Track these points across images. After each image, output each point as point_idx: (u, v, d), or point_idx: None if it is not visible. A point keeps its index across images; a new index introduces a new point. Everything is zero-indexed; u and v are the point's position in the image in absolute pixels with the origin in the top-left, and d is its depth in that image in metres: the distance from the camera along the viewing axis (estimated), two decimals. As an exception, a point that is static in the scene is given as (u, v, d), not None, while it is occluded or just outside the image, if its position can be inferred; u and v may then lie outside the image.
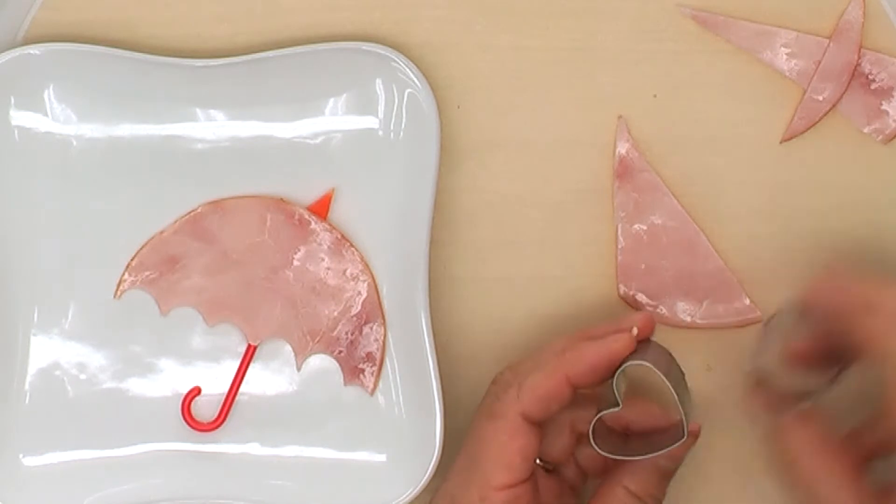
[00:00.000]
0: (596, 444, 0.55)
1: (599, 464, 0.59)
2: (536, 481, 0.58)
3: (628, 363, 0.55)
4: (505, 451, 0.56)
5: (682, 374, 0.56)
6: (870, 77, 0.64)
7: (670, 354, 0.57)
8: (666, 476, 0.57)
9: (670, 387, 0.54)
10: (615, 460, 0.57)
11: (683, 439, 0.55)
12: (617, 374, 0.55)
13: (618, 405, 0.55)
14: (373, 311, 0.64)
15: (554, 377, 0.56)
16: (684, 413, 0.55)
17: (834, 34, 0.63)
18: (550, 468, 0.60)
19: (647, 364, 0.55)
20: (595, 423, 0.55)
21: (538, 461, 0.59)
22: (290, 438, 0.64)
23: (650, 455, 0.56)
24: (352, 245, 0.64)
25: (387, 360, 0.64)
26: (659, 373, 0.54)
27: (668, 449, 0.55)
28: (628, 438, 0.58)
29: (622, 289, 0.64)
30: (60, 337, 0.64)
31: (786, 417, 0.55)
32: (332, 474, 0.64)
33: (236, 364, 0.64)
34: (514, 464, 0.56)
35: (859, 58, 0.63)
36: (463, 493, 0.57)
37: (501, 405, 0.57)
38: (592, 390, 0.57)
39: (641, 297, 0.64)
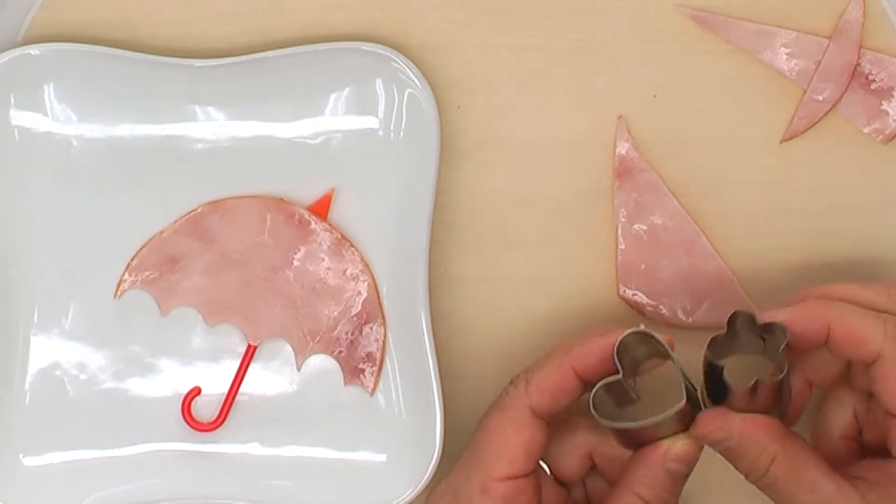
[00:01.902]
0: (595, 412, 0.55)
1: (606, 495, 0.59)
2: (540, 481, 0.58)
3: (628, 331, 0.55)
4: (509, 444, 0.56)
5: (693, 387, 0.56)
6: (870, 77, 0.64)
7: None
8: (677, 480, 0.56)
9: (671, 354, 0.54)
10: (619, 478, 0.57)
11: (682, 402, 0.55)
12: (617, 343, 0.55)
13: (618, 373, 0.55)
14: (373, 311, 0.64)
15: (561, 370, 0.56)
16: (686, 382, 0.54)
17: (834, 34, 0.64)
18: (561, 483, 0.60)
19: (648, 330, 0.55)
20: (596, 392, 0.55)
21: (546, 468, 0.59)
22: (290, 438, 0.64)
23: (649, 421, 0.55)
24: (352, 245, 0.64)
25: (387, 360, 0.64)
26: (660, 339, 0.55)
27: (668, 413, 0.54)
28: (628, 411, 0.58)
29: (622, 289, 0.64)
30: (60, 337, 0.64)
31: (735, 439, 0.55)
32: (332, 474, 0.64)
33: (236, 364, 0.64)
34: (517, 457, 0.56)
35: (859, 58, 0.63)
36: (464, 484, 0.57)
37: (510, 399, 0.57)
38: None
39: (641, 298, 0.64)
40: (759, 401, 0.55)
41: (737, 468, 0.56)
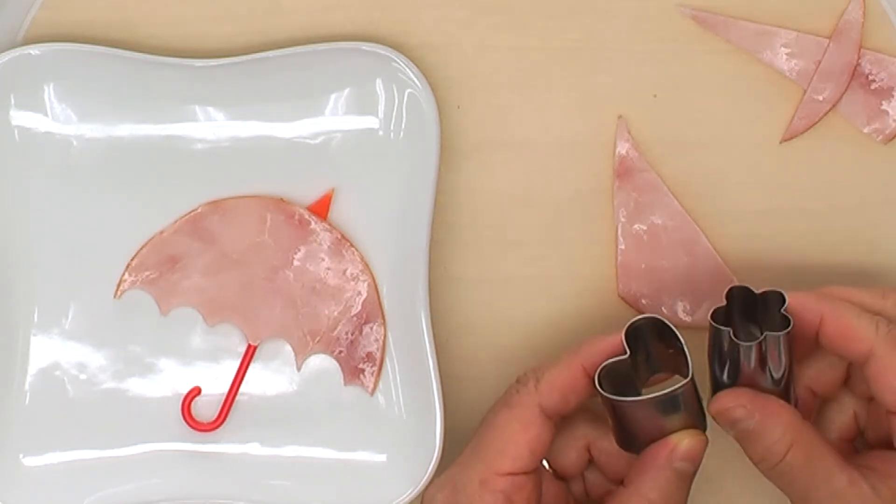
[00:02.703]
0: (602, 389, 0.55)
1: (605, 491, 0.59)
2: (541, 479, 0.58)
3: (639, 317, 0.56)
4: (514, 440, 0.56)
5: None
6: (870, 77, 0.64)
7: None
8: (686, 480, 0.56)
9: (681, 338, 0.55)
10: (623, 480, 0.57)
11: (689, 378, 0.55)
12: (626, 328, 0.55)
13: (625, 353, 0.55)
14: (373, 311, 0.64)
15: (571, 368, 0.56)
16: (690, 360, 0.55)
17: (834, 34, 0.64)
18: (560, 477, 0.60)
19: (657, 316, 0.55)
20: (602, 371, 0.55)
21: (545, 463, 0.59)
22: (290, 438, 0.64)
23: (655, 395, 0.55)
24: (352, 245, 0.64)
25: (387, 360, 0.64)
26: (670, 324, 0.55)
27: (675, 388, 0.54)
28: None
29: (622, 289, 0.64)
30: (60, 337, 0.64)
31: (755, 420, 0.55)
32: (332, 474, 0.64)
33: (236, 364, 0.64)
34: (521, 454, 0.56)
35: (859, 58, 0.63)
36: (463, 476, 0.57)
37: (519, 396, 0.57)
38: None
39: (641, 298, 0.64)
40: (769, 379, 0.55)
41: (749, 453, 0.55)
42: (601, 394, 0.55)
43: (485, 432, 0.57)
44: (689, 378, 0.55)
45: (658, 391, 0.55)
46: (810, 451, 0.54)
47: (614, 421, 0.56)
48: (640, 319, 0.56)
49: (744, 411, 0.55)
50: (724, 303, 0.56)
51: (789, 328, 0.54)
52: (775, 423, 0.54)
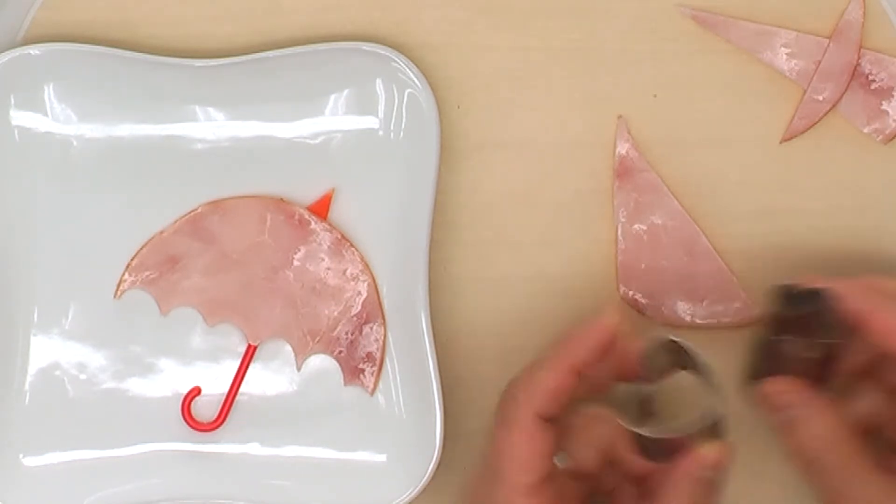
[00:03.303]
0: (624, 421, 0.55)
1: (622, 490, 0.59)
2: (557, 477, 0.58)
3: (660, 335, 0.56)
4: (522, 454, 0.56)
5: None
6: (870, 77, 0.64)
7: None
8: (715, 490, 0.55)
9: (700, 362, 0.55)
10: (655, 491, 0.57)
11: (722, 411, 0.54)
12: (648, 345, 0.55)
13: (645, 382, 0.55)
14: (373, 311, 0.64)
15: (559, 369, 0.56)
16: (716, 390, 0.55)
17: (834, 34, 0.64)
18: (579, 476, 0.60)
19: (677, 339, 0.56)
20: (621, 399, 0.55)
21: (562, 464, 0.59)
22: (290, 438, 0.64)
23: (679, 434, 0.55)
24: (352, 245, 0.64)
25: (387, 360, 0.64)
26: (692, 347, 0.55)
27: (706, 422, 0.54)
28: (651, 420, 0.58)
29: (622, 289, 0.64)
30: (60, 337, 0.64)
31: (804, 410, 0.55)
32: (332, 474, 0.64)
33: (236, 364, 0.64)
34: (533, 465, 0.56)
35: (859, 58, 0.64)
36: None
37: (515, 410, 0.56)
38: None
39: (641, 298, 0.64)
40: (810, 375, 0.55)
41: (787, 443, 0.55)
42: (623, 425, 0.55)
43: (493, 456, 0.56)
44: (723, 410, 0.54)
45: (683, 424, 0.55)
46: (847, 454, 0.54)
47: (635, 444, 0.56)
48: (653, 342, 0.56)
49: (791, 399, 0.55)
50: (772, 302, 0.56)
51: (844, 337, 0.55)
52: (819, 420, 0.55)
